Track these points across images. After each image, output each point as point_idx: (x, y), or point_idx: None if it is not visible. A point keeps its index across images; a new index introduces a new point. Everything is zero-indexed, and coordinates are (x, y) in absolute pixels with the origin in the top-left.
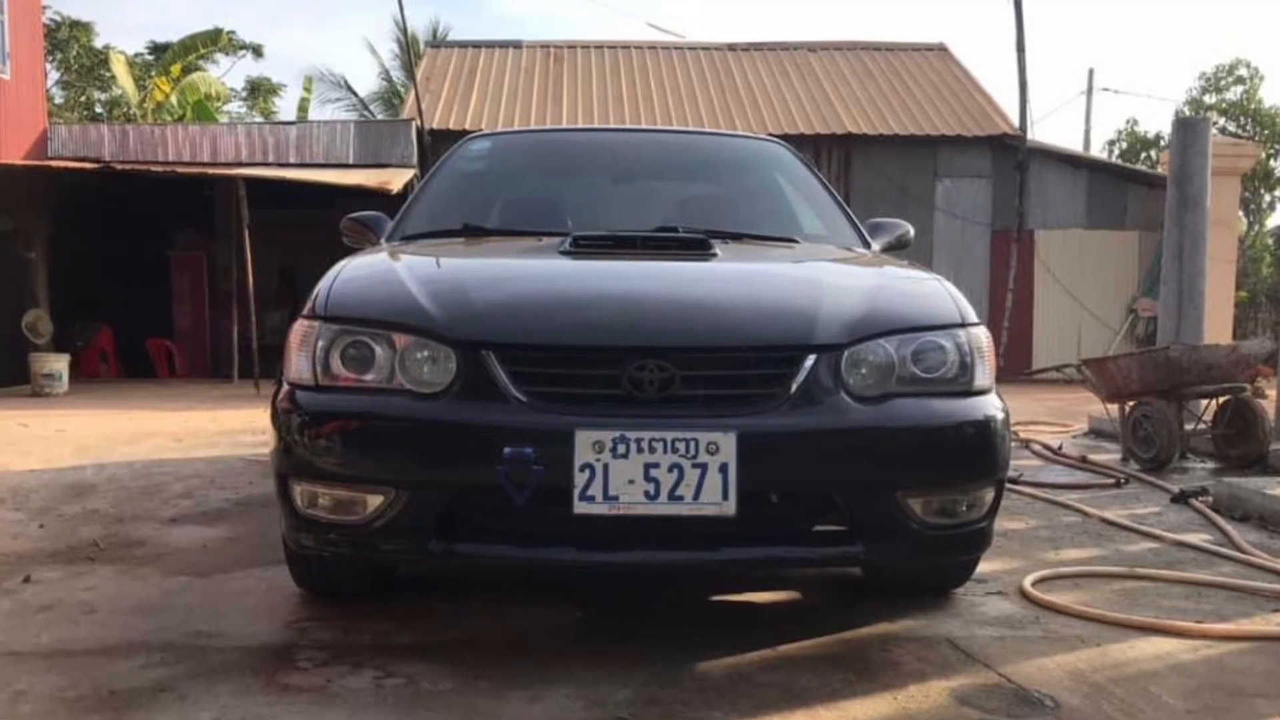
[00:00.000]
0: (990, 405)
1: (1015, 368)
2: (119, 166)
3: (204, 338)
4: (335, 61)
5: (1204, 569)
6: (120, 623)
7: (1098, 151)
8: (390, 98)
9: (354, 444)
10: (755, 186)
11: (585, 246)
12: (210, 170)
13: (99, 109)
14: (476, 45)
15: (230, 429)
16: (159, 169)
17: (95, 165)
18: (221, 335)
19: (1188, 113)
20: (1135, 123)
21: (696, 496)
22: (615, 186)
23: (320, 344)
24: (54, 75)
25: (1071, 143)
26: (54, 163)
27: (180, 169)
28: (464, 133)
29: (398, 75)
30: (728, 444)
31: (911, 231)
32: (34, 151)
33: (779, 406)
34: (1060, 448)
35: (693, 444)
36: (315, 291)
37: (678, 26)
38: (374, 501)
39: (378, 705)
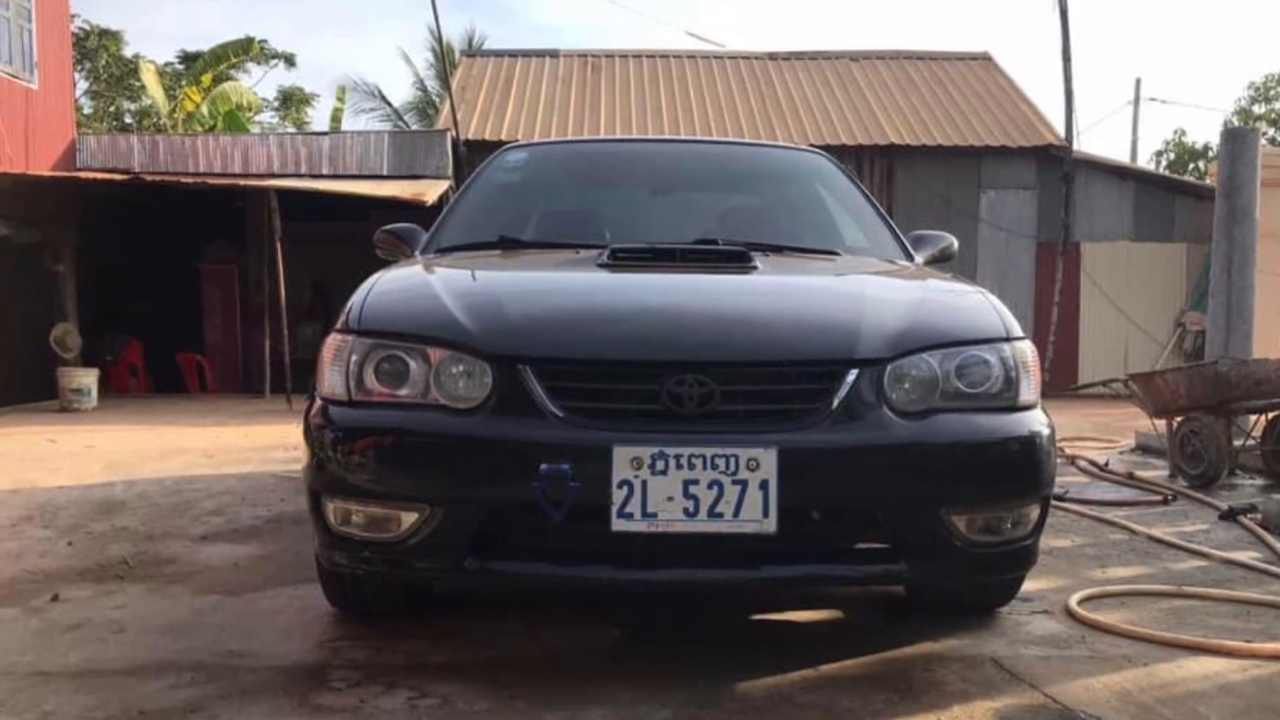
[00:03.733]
0: (1035, 421)
1: (1061, 383)
2: (149, 178)
3: (235, 352)
4: (369, 71)
5: (1253, 587)
6: (150, 642)
7: (1145, 162)
8: (425, 108)
9: (388, 460)
10: (796, 198)
11: (623, 259)
12: (241, 182)
13: (128, 119)
14: (513, 54)
15: (262, 445)
16: (189, 180)
17: (125, 176)
18: (253, 350)
19: (1236, 123)
20: (1183, 133)
21: (737, 514)
22: (654, 198)
23: (354, 358)
24: (83, 85)
25: (1118, 154)
26: (83, 174)
27: (211, 180)
28: (500, 143)
29: (432, 85)
30: (768, 460)
31: (955, 244)
32: (62, 162)
33: (820, 422)
34: (1107, 464)
35: (733, 460)
36: (349, 305)
37: (717, 35)
38: (408, 519)
39: None
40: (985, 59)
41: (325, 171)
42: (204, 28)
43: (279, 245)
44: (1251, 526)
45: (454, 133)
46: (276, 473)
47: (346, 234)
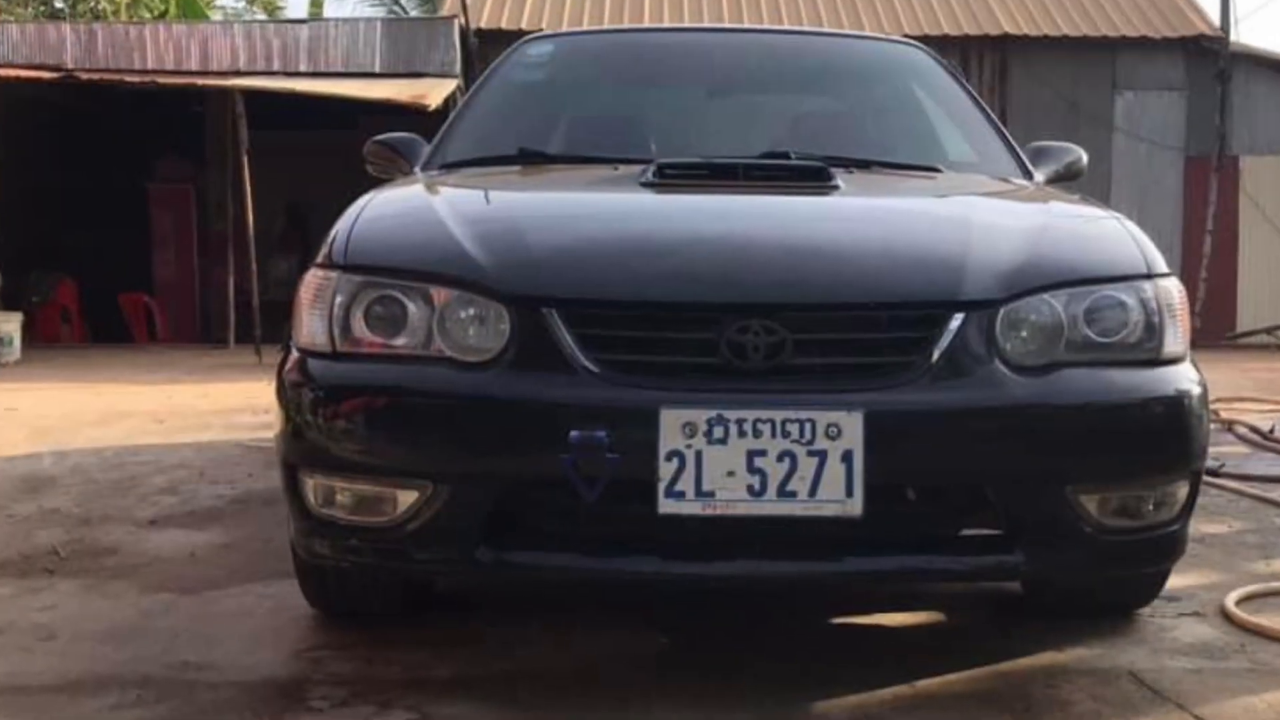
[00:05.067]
0: (1184, 377)
1: (1215, 330)
2: (84, 76)
3: (191, 292)
4: None
5: None
6: (86, 651)
7: None
8: None
9: (381, 426)
10: (887, 101)
11: (673, 177)
12: (200, 81)
13: (59, 3)
14: None
15: (225, 407)
16: (135, 79)
17: (54, 74)
18: (214, 290)
19: None
20: None
21: (813, 492)
22: (710, 101)
23: (339, 300)
24: None
25: None
26: (1, 70)
27: (162, 79)
28: (520, 33)
29: None
30: (852, 426)
31: (1084, 158)
32: None
33: (917, 379)
34: (1272, 430)
35: (808, 426)
36: (332, 234)
37: None
38: (406, 498)
39: None
40: None
41: (303, 69)
42: None
43: (246, 160)
44: None
45: (463, 20)
46: (242, 441)
47: (329, 146)
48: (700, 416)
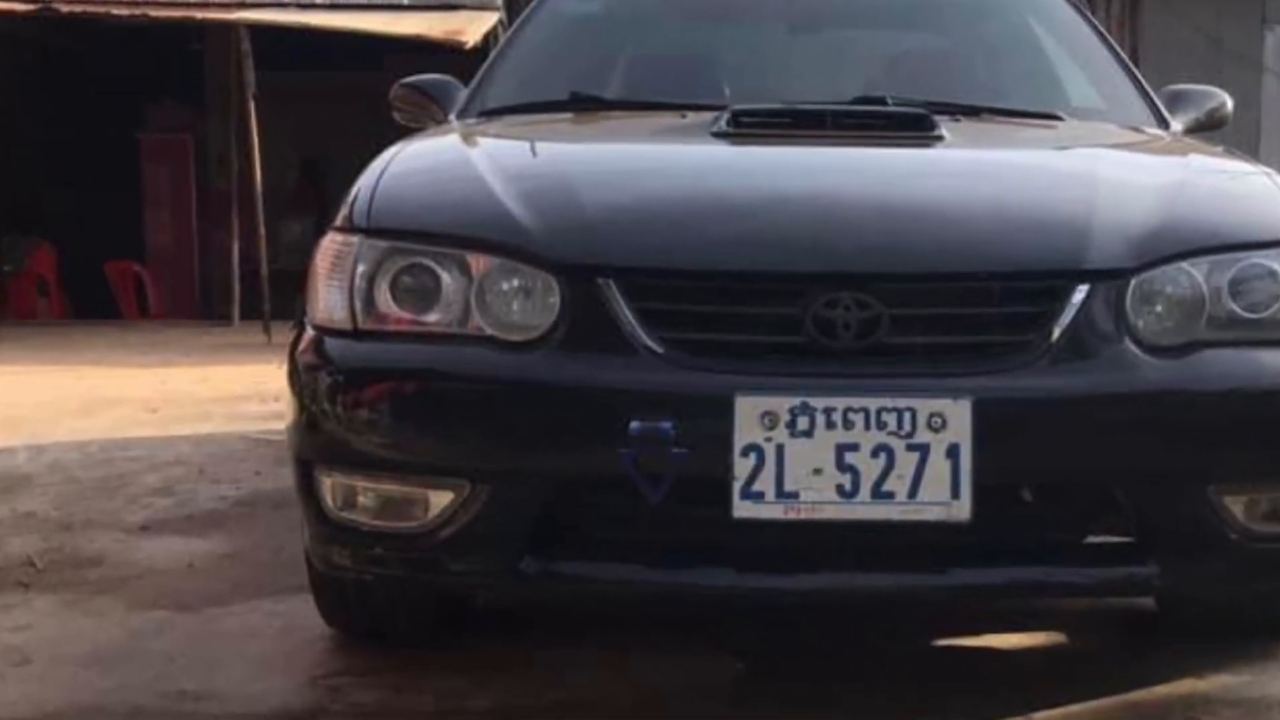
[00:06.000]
0: None
1: None
2: (64, 8)
3: (189, 260)
4: None
5: None
6: (66, 678)
7: None
8: None
9: (410, 415)
10: (1000, 38)
11: (750, 126)
12: (199, 14)
13: None
14: None
15: (228, 394)
16: (123, 12)
17: (30, 6)
18: (215, 257)
19: None
20: None
21: (913, 493)
22: (793, 38)
23: (361, 269)
24: None
25: None
26: None
27: (155, 12)
28: None
29: None
30: (959, 415)
31: (1229, 104)
32: None
33: (1035, 361)
34: None
35: (908, 416)
36: (354, 191)
37: None
38: (439, 500)
39: None
40: None
41: (319, 0)
42: None
43: (253, 106)
44: None
45: None
46: (249, 434)
47: (351, 89)
48: (782, 404)
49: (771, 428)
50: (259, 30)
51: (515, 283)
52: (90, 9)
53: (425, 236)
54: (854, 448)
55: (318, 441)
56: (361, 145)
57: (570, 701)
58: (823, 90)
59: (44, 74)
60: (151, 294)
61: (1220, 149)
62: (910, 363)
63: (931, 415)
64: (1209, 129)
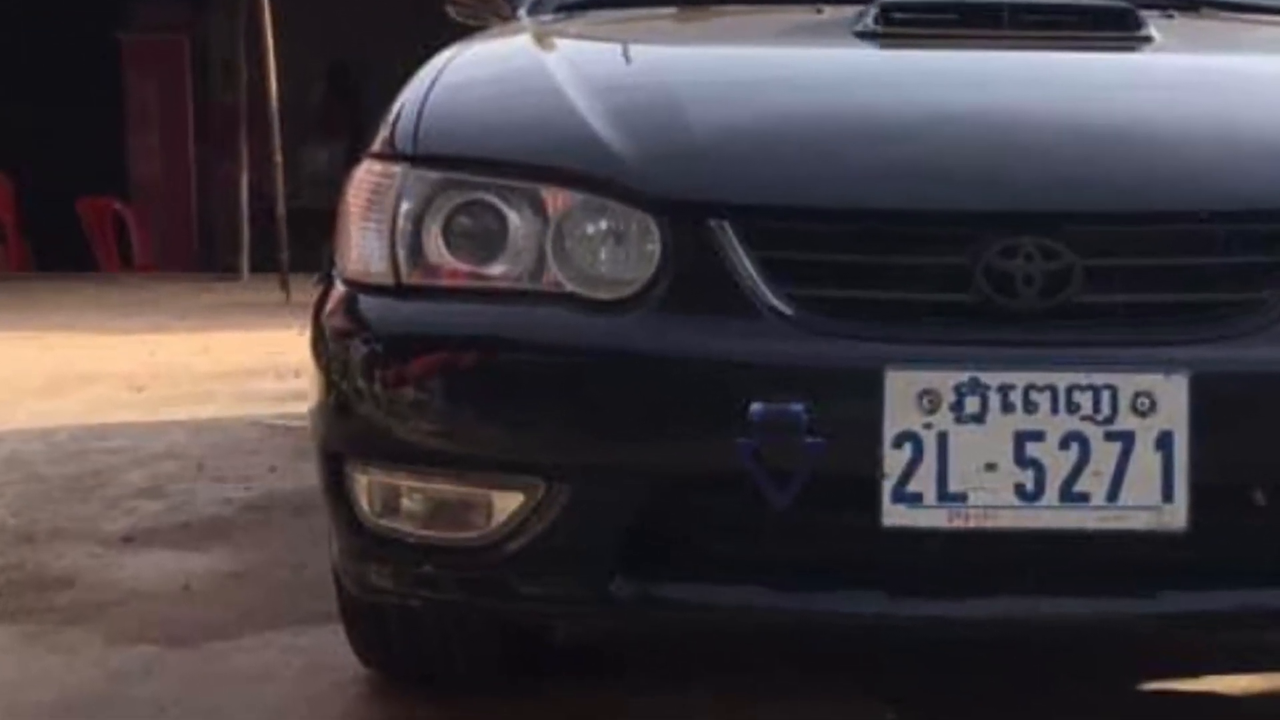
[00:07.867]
0: None
1: None
2: None
3: (186, 197)
4: None
5: None
6: None
7: None
8: None
9: (468, 396)
10: None
11: (904, 23)
12: None
13: None
14: None
15: (235, 368)
16: None
17: None
18: (218, 192)
19: None
20: None
21: (1114, 495)
22: None
23: (406, 207)
24: None
25: None
26: None
27: None
28: None
29: None
30: (1173, 395)
31: None
32: None
33: (1271, 325)
34: None
35: (1107, 395)
36: (396, 108)
37: None
38: (506, 504)
39: None
40: None
41: None
42: None
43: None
44: None
45: None
46: (261, 419)
47: None
48: (946, 381)
49: (932, 411)
50: None
51: (603, 225)
52: None
53: (488, 165)
54: (1038, 436)
55: (350, 429)
56: (406, 48)
57: None
58: None
59: None
60: (136, 239)
61: None
62: (1110, 328)
63: (1137, 395)
64: None
